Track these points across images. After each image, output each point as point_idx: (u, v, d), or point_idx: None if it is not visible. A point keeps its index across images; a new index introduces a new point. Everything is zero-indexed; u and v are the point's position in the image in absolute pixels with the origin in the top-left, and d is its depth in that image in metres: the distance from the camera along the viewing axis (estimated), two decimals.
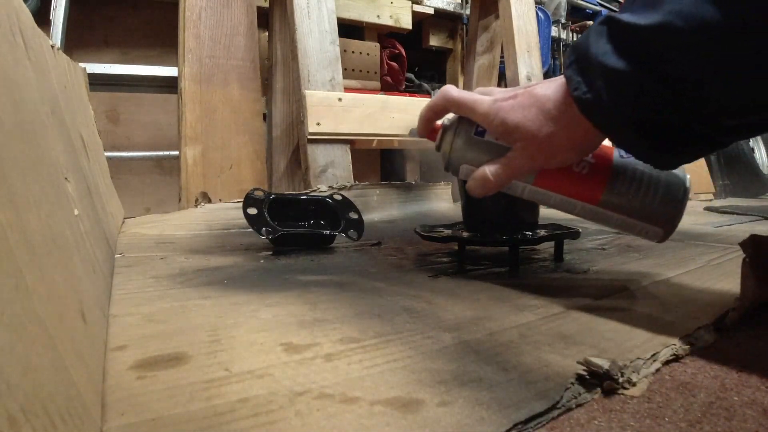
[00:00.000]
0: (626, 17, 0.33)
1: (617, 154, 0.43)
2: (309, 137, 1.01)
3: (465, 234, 0.60)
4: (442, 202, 1.24)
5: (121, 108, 1.58)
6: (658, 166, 0.39)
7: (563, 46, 2.17)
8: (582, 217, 0.45)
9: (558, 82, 0.39)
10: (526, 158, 0.41)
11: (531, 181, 0.44)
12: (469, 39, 1.66)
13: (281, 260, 0.60)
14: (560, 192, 0.43)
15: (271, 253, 0.65)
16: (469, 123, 0.45)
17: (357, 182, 1.06)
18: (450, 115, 0.47)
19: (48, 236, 0.22)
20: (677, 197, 0.42)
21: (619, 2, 2.87)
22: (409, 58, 1.59)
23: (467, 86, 1.63)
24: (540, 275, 0.53)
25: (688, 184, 0.42)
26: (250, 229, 0.65)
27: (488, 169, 0.44)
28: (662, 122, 0.34)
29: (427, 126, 0.48)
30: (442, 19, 1.78)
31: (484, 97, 0.43)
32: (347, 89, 1.14)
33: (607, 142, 0.41)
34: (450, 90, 0.45)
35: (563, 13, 2.16)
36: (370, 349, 0.31)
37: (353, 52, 1.45)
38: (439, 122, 0.48)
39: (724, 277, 0.50)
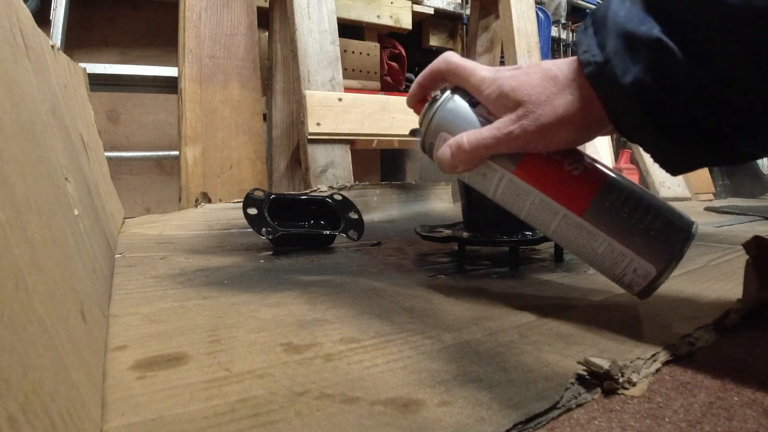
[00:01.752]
0: None
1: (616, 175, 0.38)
2: (309, 137, 1.01)
3: (465, 234, 0.60)
4: (442, 202, 1.24)
5: (121, 108, 1.58)
6: (665, 163, 0.34)
7: (563, 46, 2.17)
8: (561, 239, 0.38)
9: (570, 57, 0.35)
10: (514, 127, 0.35)
11: (513, 169, 0.37)
12: (469, 39, 1.66)
13: (281, 260, 0.60)
14: (543, 190, 0.37)
15: (271, 253, 0.65)
16: (463, 94, 0.39)
17: (357, 182, 1.06)
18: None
19: (48, 236, 0.22)
20: (681, 234, 0.35)
21: None
22: (409, 58, 1.59)
23: None
24: (540, 275, 0.53)
25: (694, 229, 0.35)
26: (250, 229, 0.65)
27: (465, 135, 0.37)
28: (676, 102, 0.30)
29: (420, 92, 0.42)
30: (442, 19, 1.78)
31: (487, 67, 0.38)
32: (347, 89, 1.14)
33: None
34: (451, 54, 0.40)
35: (563, 13, 2.16)
36: (370, 349, 0.31)
37: (353, 52, 1.45)
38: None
39: (725, 278, 0.50)
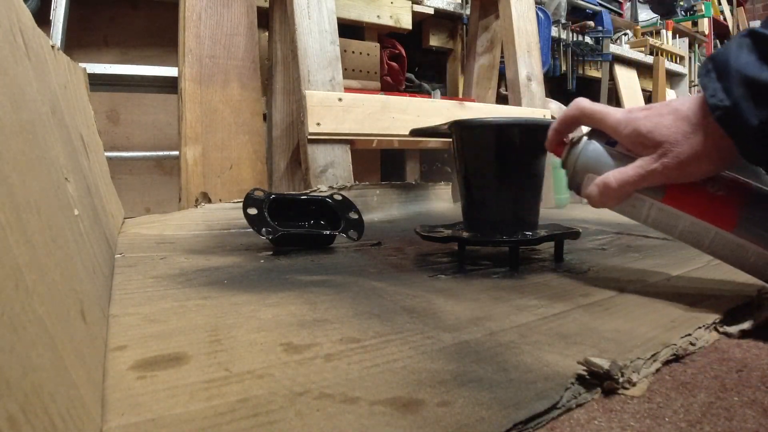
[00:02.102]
0: None
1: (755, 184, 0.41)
2: (309, 137, 1.01)
3: (465, 234, 0.60)
4: (442, 202, 1.24)
5: (121, 108, 1.58)
6: None
7: (563, 46, 2.17)
8: (714, 254, 0.41)
9: (695, 96, 0.38)
10: (656, 165, 0.39)
11: (660, 198, 0.40)
12: (469, 39, 1.66)
13: (281, 260, 0.60)
14: (693, 213, 0.40)
15: (271, 253, 0.65)
16: (599, 135, 0.43)
17: (357, 182, 1.06)
18: (581, 130, 0.46)
19: (48, 236, 0.22)
20: None
21: (619, 2, 2.87)
22: (409, 58, 1.59)
23: (467, 86, 1.63)
24: (540, 275, 0.53)
25: None
26: (250, 229, 0.65)
27: (612, 174, 0.41)
28: None
29: (557, 138, 0.47)
30: (442, 19, 1.78)
31: (618, 108, 0.42)
32: (347, 89, 1.14)
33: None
34: (582, 101, 0.44)
35: (563, 13, 2.16)
36: (370, 349, 0.31)
37: (353, 52, 1.45)
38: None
39: (725, 277, 0.50)
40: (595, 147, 0.44)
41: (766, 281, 0.40)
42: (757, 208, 0.38)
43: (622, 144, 0.42)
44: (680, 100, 0.39)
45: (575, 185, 0.46)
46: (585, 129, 0.46)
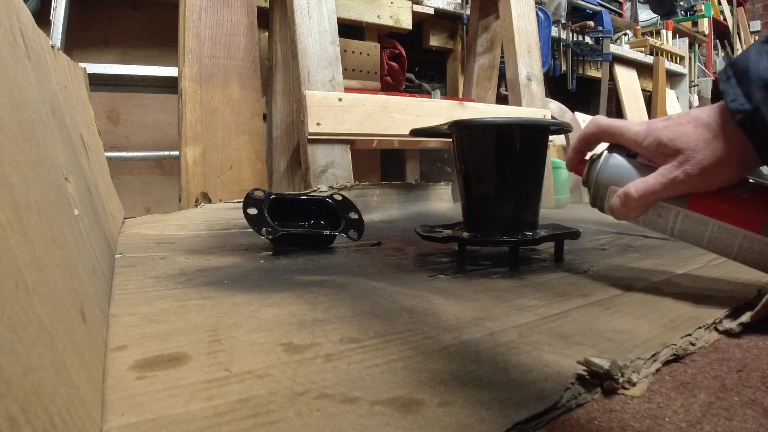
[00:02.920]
0: None
1: None
2: (309, 137, 1.01)
3: (465, 234, 0.60)
4: (442, 202, 1.24)
5: (121, 108, 1.58)
6: None
7: (563, 46, 2.17)
8: (745, 259, 0.41)
9: (715, 104, 0.39)
10: (678, 172, 0.39)
11: (685, 205, 0.41)
12: (469, 39, 1.66)
13: (281, 260, 0.60)
14: (719, 218, 0.40)
15: (271, 253, 0.65)
16: (619, 149, 0.44)
17: (357, 182, 1.06)
18: (600, 148, 0.46)
19: (48, 236, 0.22)
20: None
21: (620, 2, 2.87)
22: (409, 58, 1.59)
23: (467, 86, 1.63)
24: (540, 275, 0.53)
25: None
26: (250, 229, 0.65)
27: (632, 185, 0.41)
28: None
29: (577, 156, 0.47)
30: (442, 19, 1.78)
31: (636, 122, 0.42)
32: (347, 89, 1.14)
33: None
34: (599, 118, 0.45)
35: (563, 13, 2.16)
36: (370, 349, 0.31)
37: (353, 52, 1.45)
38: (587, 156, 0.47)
39: (725, 277, 0.50)
40: (617, 159, 0.44)
41: None
42: None
43: (644, 156, 0.42)
44: (700, 109, 0.40)
45: (598, 201, 0.46)
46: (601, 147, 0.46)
